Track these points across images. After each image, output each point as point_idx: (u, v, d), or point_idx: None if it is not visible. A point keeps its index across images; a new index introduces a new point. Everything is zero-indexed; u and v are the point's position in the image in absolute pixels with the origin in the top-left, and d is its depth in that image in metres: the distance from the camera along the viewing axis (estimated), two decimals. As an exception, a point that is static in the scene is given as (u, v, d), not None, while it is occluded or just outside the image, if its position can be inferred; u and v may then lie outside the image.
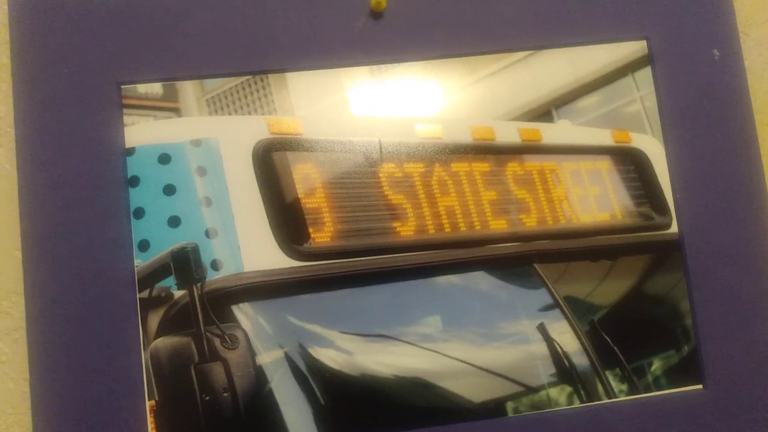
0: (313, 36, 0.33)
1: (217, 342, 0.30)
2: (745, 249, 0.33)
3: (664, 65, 0.35)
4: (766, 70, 0.36)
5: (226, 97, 0.32)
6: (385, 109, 0.33)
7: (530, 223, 0.33)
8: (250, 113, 0.32)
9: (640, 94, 0.35)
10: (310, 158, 0.32)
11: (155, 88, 0.32)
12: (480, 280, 0.32)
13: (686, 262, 0.33)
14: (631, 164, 0.35)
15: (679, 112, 0.34)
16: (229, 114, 0.32)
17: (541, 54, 0.34)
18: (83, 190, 0.30)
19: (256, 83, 0.33)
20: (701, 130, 0.34)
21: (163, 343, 0.30)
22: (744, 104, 0.35)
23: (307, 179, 0.32)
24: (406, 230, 0.32)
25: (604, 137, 0.34)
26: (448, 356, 0.31)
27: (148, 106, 0.32)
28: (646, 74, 0.35)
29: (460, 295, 0.32)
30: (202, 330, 0.30)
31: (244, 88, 0.32)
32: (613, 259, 0.33)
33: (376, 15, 0.33)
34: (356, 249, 0.31)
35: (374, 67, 0.33)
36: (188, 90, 0.32)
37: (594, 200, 0.34)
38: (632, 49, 0.35)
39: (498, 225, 0.33)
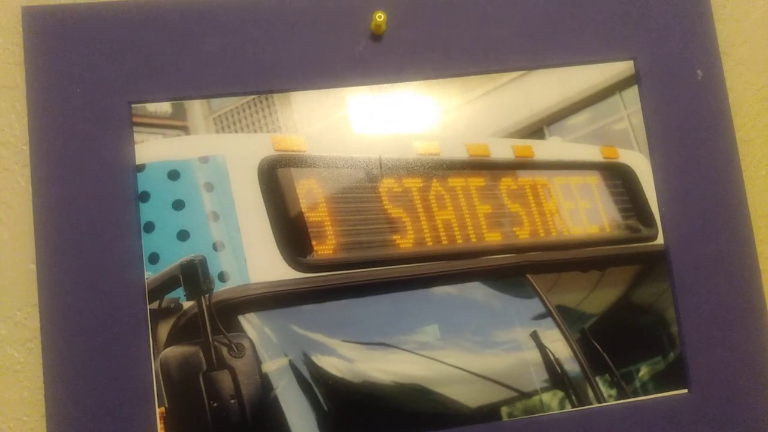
0: (316, 57, 0.34)
1: (224, 351, 0.31)
2: (728, 259, 0.35)
3: (650, 84, 0.36)
4: (746, 89, 0.38)
5: (232, 116, 0.33)
6: (385, 127, 0.34)
7: (523, 235, 0.34)
8: (255, 131, 0.33)
9: (628, 112, 0.36)
10: (313, 174, 0.33)
11: (164, 107, 0.33)
12: (476, 291, 0.33)
13: (672, 272, 0.35)
14: (619, 179, 0.36)
15: (664, 128, 0.36)
16: (236, 132, 0.33)
17: (534, 74, 0.36)
18: (95, 205, 0.31)
19: (261, 102, 0.34)
20: (685, 145, 0.36)
21: (173, 352, 0.31)
22: (726, 121, 0.36)
23: (310, 194, 0.33)
24: (405, 243, 0.33)
25: (593, 153, 0.36)
26: (445, 363, 0.32)
27: (158, 125, 0.33)
28: (633, 93, 0.36)
29: (456, 305, 0.33)
30: (210, 339, 0.31)
31: (249, 107, 0.34)
32: (602, 270, 0.35)
33: (376, 38, 0.34)
34: (357, 261, 0.33)
35: (374, 87, 0.35)
36: (196, 109, 0.33)
37: (584, 213, 0.35)
38: (620, 69, 0.36)
39: (493, 237, 0.34)
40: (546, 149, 0.36)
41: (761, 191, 0.37)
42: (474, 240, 0.34)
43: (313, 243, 0.32)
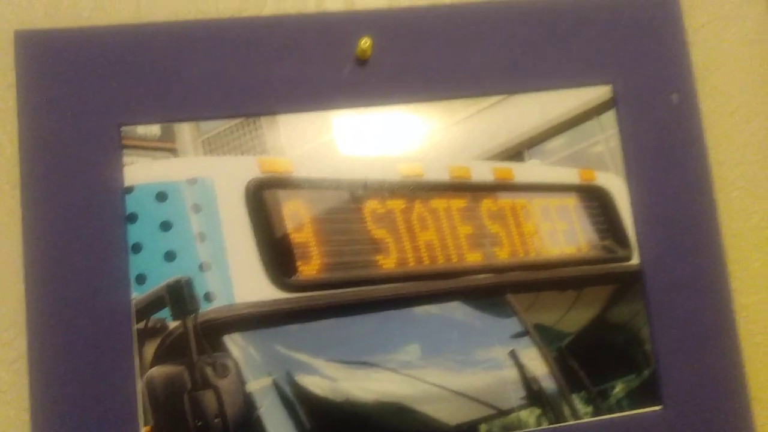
0: (303, 81, 0.35)
1: (209, 370, 0.31)
2: (701, 279, 0.36)
3: (626, 109, 0.37)
4: (720, 113, 0.39)
5: (220, 138, 0.34)
6: (370, 149, 0.35)
7: (503, 255, 0.35)
8: (243, 153, 0.34)
9: (605, 135, 0.37)
10: (299, 195, 0.34)
11: (154, 129, 0.34)
12: (456, 310, 0.34)
13: (646, 292, 0.36)
14: (595, 201, 0.37)
15: (640, 152, 0.37)
16: (224, 154, 0.34)
17: (514, 98, 0.37)
18: (84, 226, 0.32)
19: (249, 125, 0.35)
20: (661, 168, 0.37)
21: (158, 371, 0.31)
22: (700, 144, 0.37)
23: (296, 215, 0.34)
24: (388, 263, 0.34)
25: (571, 176, 0.37)
26: (426, 382, 0.33)
27: (147, 147, 0.34)
28: (610, 117, 0.37)
29: (437, 324, 0.34)
30: (195, 359, 0.31)
31: (237, 130, 0.34)
32: (579, 289, 0.36)
33: (362, 63, 0.35)
34: (341, 281, 0.33)
35: (360, 110, 0.36)
36: (185, 131, 0.34)
37: (562, 234, 0.36)
38: (597, 93, 0.37)
39: (473, 258, 0.35)
40: (525, 172, 0.37)
41: (733, 212, 0.39)
42: (455, 260, 0.35)
43: (298, 263, 0.33)
